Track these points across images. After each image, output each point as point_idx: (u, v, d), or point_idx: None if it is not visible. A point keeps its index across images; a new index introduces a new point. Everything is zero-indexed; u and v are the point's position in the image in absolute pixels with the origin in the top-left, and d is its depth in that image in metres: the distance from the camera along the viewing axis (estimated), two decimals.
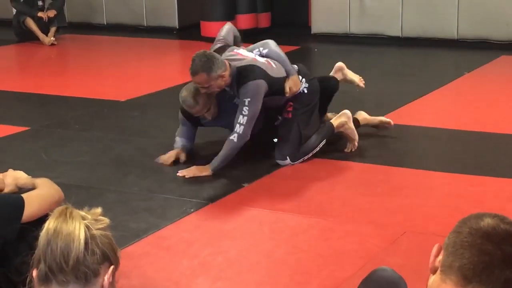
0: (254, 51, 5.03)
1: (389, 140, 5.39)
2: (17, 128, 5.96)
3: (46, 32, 9.90)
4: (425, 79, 7.44)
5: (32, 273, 1.80)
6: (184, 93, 4.82)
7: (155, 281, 3.44)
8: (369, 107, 6.06)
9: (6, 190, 3.04)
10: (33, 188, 3.00)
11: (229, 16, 9.75)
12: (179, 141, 5.07)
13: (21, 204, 2.79)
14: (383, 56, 8.78)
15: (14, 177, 3.09)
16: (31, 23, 9.88)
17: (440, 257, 1.57)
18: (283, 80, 4.92)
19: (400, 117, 6.00)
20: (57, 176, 4.48)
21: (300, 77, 5.01)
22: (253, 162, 4.99)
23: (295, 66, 5.06)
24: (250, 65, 4.77)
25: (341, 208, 4.25)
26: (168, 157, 4.96)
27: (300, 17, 10.59)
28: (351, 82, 5.58)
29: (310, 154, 5.01)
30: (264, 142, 5.18)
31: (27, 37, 9.98)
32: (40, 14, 9.92)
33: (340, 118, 5.12)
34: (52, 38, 9.88)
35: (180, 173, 4.75)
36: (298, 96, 4.98)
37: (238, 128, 4.67)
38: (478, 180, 4.60)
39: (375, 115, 5.74)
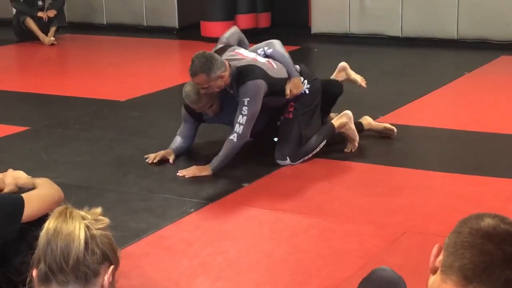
0: (259, 51, 5.03)
1: (389, 140, 5.39)
2: (17, 128, 5.95)
3: (46, 32, 9.90)
4: (425, 79, 7.44)
5: (32, 273, 1.80)
6: (188, 88, 4.83)
7: (155, 281, 3.44)
8: (369, 107, 6.06)
9: (6, 190, 3.04)
10: (33, 188, 3.00)
11: (229, 16, 9.76)
12: (174, 142, 5.08)
13: (21, 204, 2.79)
14: (383, 56, 8.78)
15: (14, 177, 3.09)
16: (31, 23, 9.88)
17: (440, 257, 1.57)
18: (284, 81, 4.91)
19: (400, 117, 6.01)
20: (57, 176, 4.48)
21: (302, 78, 5.01)
22: (253, 162, 4.99)
23: (297, 66, 5.05)
24: (249, 65, 4.77)
25: (341, 208, 4.25)
26: (154, 156, 4.97)
27: (300, 17, 10.59)
28: (354, 82, 5.59)
29: (310, 155, 5.01)
30: (264, 142, 5.19)
31: (27, 37, 9.98)
32: (40, 14, 9.92)
33: (341, 119, 5.12)
34: (52, 38, 9.88)
35: (180, 173, 4.75)
36: (300, 96, 4.98)
37: (238, 128, 4.67)
38: (478, 180, 4.60)
39: (375, 115, 5.76)
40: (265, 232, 3.98)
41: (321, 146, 5.04)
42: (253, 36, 5.36)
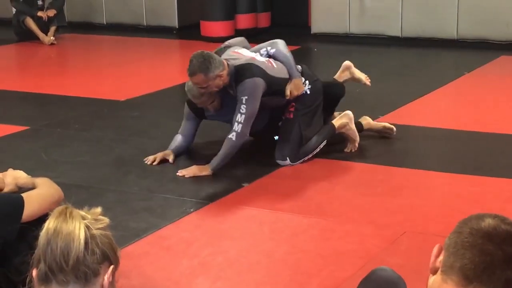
0: (262, 51, 5.03)
1: (389, 140, 5.39)
2: (16, 127, 5.95)
3: (45, 32, 9.90)
4: (425, 79, 7.44)
5: (32, 272, 1.80)
6: (191, 83, 4.83)
7: (155, 280, 3.44)
8: (369, 107, 6.07)
9: (6, 189, 3.04)
10: (33, 187, 3.00)
11: (229, 16, 9.77)
12: (174, 142, 5.08)
13: (21, 204, 2.79)
14: (383, 56, 8.78)
15: (14, 177, 3.08)
16: (30, 23, 9.88)
17: (440, 258, 1.57)
18: (284, 81, 4.91)
19: (400, 117, 6.01)
20: (57, 175, 4.48)
21: (303, 79, 5.01)
22: (253, 162, 4.99)
23: (299, 67, 5.05)
24: (247, 63, 4.78)
25: (341, 208, 4.25)
26: (153, 158, 4.98)
27: (300, 17, 10.59)
28: (358, 81, 5.59)
29: (311, 155, 5.01)
30: (265, 141, 5.19)
31: (26, 36, 9.98)
32: (39, 13, 9.92)
33: (341, 119, 5.12)
34: (51, 37, 9.88)
35: (180, 172, 4.75)
36: (301, 97, 4.98)
37: (237, 127, 4.67)
38: (478, 180, 4.60)
39: (375, 115, 5.76)
40: (265, 232, 3.98)
41: (321, 147, 5.04)
42: (253, 36, 5.36)
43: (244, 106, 4.66)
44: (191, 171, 4.74)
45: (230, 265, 3.58)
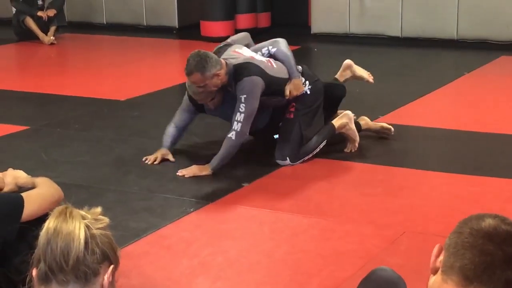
0: (263, 50, 5.03)
1: (389, 140, 5.39)
2: (16, 127, 5.95)
3: (45, 32, 9.90)
4: (425, 79, 7.44)
5: (32, 272, 1.80)
6: None
7: (155, 280, 3.44)
8: (369, 107, 6.07)
9: (6, 189, 3.04)
10: (32, 187, 3.00)
11: (229, 15, 9.77)
12: (167, 138, 5.07)
13: (20, 203, 2.79)
14: (383, 56, 8.78)
15: (13, 176, 3.08)
16: (30, 22, 9.87)
17: (441, 258, 1.57)
18: (284, 81, 4.91)
19: (400, 117, 6.01)
20: (57, 175, 4.48)
21: (303, 79, 5.01)
22: (253, 162, 4.99)
23: (299, 67, 5.05)
24: (245, 62, 4.78)
25: (341, 208, 4.25)
26: (154, 158, 5.00)
27: (300, 17, 10.59)
28: (360, 79, 5.58)
29: (311, 155, 5.01)
30: (265, 140, 5.19)
31: (26, 36, 9.98)
32: (39, 13, 9.91)
33: (341, 119, 5.12)
34: (51, 37, 9.87)
35: (180, 172, 4.75)
36: (301, 97, 4.98)
37: (236, 126, 4.67)
38: (478, 180, 4.60)
39: (375, 115, 5.76)
40: (265, 232, 3.98)
41: (321, 147, 5.04)
42: (253, 36, 5.34)
43: (243, 105, 4.66)
44: (191, 171, 4.74)
45: (230, 265, 3.58)
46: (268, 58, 4.95)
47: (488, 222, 1.53)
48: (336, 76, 5.54)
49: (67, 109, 6.58)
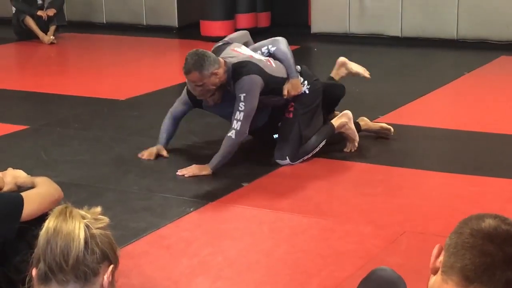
0: (263, 49, 5.03)
1: (389, 140, 5.38)
2: (16, 126, 5.95)
3: (45, 31, 9.90)
4: (425, 79, 7.44)
5: (31, 272, 1.80)
6: None
7: (154, 280, 3.44)
8: (369, 107, 6.07)
9: (6, 188, 3.04)
10: (32, 187, 2.99)
11: (229, 15, 9.76)
12: (162, 136, 5.13)
13: (20, 203, 2.79)
14: (383, 56, 8.78)
15: (13, 176, 3.08)
16: (30, 22, 9.87)
17: (441, 258, 1.57)
18: (282, 80, 4.91)
19: (400, 117, 6.01)
20: (56, 175, 4.48)
21: (302, 79, 5.01)
22: (253, 161, 4.99)
23: (298, 67, 5.05)
24: (244, 61, 4.78)
25: (340, 207, 4.25)
26: (148, 154, 5.05)
27: (300, 17, 10.58)
28: (356, 75, 5.58)
29: (310, 155, 5.01)
30: (264, 139, 5.19)
31: (26, 35, 9.97)
32: (39, 12, 9.91)
33: (340, 119, 5.12)
34: (51, 37, 9.87)
35: (180, 172, 4.75)
36: (300, 96, 4.98)
37: (235, 125, 4.67)
38: (478, 181, 4.60)
39: (375, 115, 5.75)
40: (264, 232, 3.98)
41: (320, 146, 5.03)
42: (253, 36, 5.35)
43: (243, 103, 4.66)
44: (191, 170, 4.74)
45: (230, 265, 3.58)
46: (267, 58, 4.96)
47: (488, 223, 1.53)
48: (332, 74, 5.53)
49: (67, 108, 6.58)
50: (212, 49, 4.97)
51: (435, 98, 6.70)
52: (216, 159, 4.73)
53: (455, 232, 1.56)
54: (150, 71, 8.24)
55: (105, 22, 11.13)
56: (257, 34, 8.25)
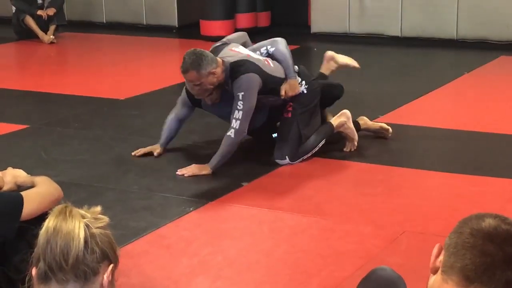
0: (262, 49, 5.03)
1: (389, 140, 5.38)
2: (16, 126, 5.95)
3: (45, 30, 9.89)
4: (425, 79, 7.44)
5: (31, 271, 1.80)
6: None
7: (154, 279, 3.44)
8: (369, 107, 6.06)
9: (5, 188, 3.04)
10: (32, 186, 2.99)
11: (229, 15, 9.76)
12: (163, 136, 5.14)
13: (20, 202, 2.79)
14: (383, 56, 8.78)
15: (13, 175, 3.08)
16: (30, 21, 9.87)
17: (441, 258, 1.57)
18: (280, 80, 4.91)
19: (399, 116, 6.01)
20: (56, 174, 4.48)
21: (299, 79, 5.01)
22: (252, 161, 4.99)
23: (296, 67, 5.05)
24: (242, 60, 4.78)
25: (340, 207, 4.24)
26: (143, 152, 5.10)
27: (299, 17, 10.58)
28: (345, 67, 5.57)
29: (310, 154, 5.01)
30: (263, 139, 5.19)
31: (26, 35, 9.97)
32: (39, 12, 9.91)
33: (339, 118, 5.12)
34: (51, 36, 9.86)
35: (180, 171, 4.76)
36: (298, 96, 4.98)
37: (235, 124, 4.67)
38: (478, 180, 4.60)
39: (375, 115, 5.75)
40: (264, 231, 3.98)
41: (320, 146, 5.04)
42: (253, 35, 5.35)
43: (241, 102, 4.66)
44: (190, 170, 4.75)
45: (230, 264, 3.58)
46: (265, 57, 4.96)
47: (488, 222, 1.53)
48: (321, 70, 5.51)
49: (67, 108, 6.58)
50: (210, 49, 4.97)
51: (435, 98, 6.70)
52: (215, 159, 4.73)
53: (455, 231, 1.56)
54: (150, 70, 8.24)
55: (105, 21, 11.13)
56: (257, 34, 8.26)
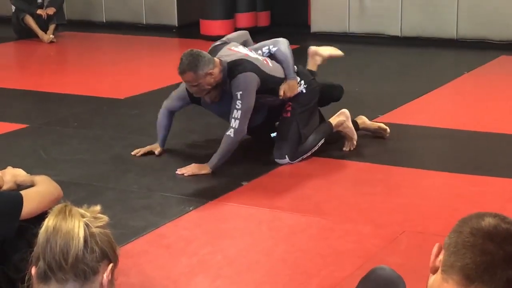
0: (264, 48, 5.03)
1: (388, 140, 5.38)
2: (16, 125, 5.95)
3: (45, 30, 9.89)
4: (425, 79, 7.44)
5: (31, 270, 1.80)
6: None
7: (154, 279, 3.44)
8: (369, 106, 6.06)
9: (5, 187, 3.04)
10: (32, 185, 2.99)
11: (229, 14, 9.76)
12: (160, 136, 5.13)
13: (20, 201, 2.79)
14: (383, 56, 8.78)
15: (13, 175, 3.08)
16: (30, 21, 9.87)
17: (440, 257, 1.57)
18: (279, 80, 4.91)
19: (399, 116, 6.01)
20: (56, 173, 4.48)
21: (299, 79, 5.01)
22: (252, 160, 4.99)
23: (295, 67, 5.04)
24: (240, 59, 4.78)
25: (339, 207, 4.24)
26: (142, 151, 5.11)
27: (299, 16, 10.58)
28: (331, 57, 5.56)
29: (309, 153, 5.01)
30: (262, 139, 5.19)
31: (26, 34, 9.97)
32: (39, 11, 9.90)
33: (338, 117, 5.12)
34: (51, 35, 9.86)
35: (179, 171, 4.76)
36: (297, 96, 4.98)
37: (234, 123, 4.67)
38: (477, 180, 4.60)
39: (374, 114, 5.75)
40: (264, 231, 3.98)
41: (319, 145, 5.04)
42: (253, 35, 5.35)
43: (240, 101, 4.66)
44: (190, 169, 4.75)
45: (229, 264, 3.58)
46: (264, 57, 4.95)
47: (488, 221, 1.53)
48: (308, 67, 5.49)
49: (67, 107, 6.58)
50: (209, 48, 4.97)
51: (434, 97, 6.70)
52: (215, 158, 4.73)
53: (454, 231, 1.56)
54: (150, 70, 8.24)
55: (105, 21, 11.13)
56: (256, 34, 8.26)
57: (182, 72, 4.68)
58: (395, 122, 5.62)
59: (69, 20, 10.69)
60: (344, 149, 5.14)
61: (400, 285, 2.23)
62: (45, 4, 10.05)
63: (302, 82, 5.03)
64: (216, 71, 4.69)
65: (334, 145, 5.16)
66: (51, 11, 9.93)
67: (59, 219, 1.77)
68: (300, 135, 4.95)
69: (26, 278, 1.82)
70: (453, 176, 4.69)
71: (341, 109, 5.21)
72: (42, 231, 1.78)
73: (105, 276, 1.78)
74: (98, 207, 1.86)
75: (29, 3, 9.96)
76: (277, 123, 5.13)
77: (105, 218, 1.83)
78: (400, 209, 4.18)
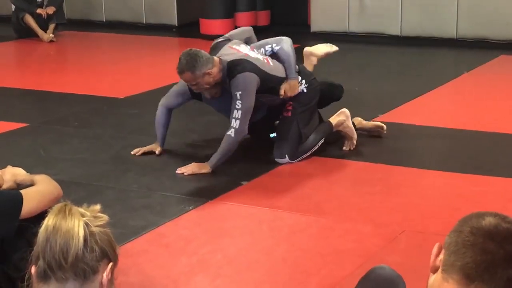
0: (267, 47, 5.03)
1: (388, 139, 5.38)
2: (16, 124, 5.95)
3: (45, 29, 9.89)
4: (425, 78, 7.44)
5: (30, 269, 1.80)
6: None
7: (153, 278, 3.44)
8: (368, 106, 6.06)
9: (5, 186, 3.03)
10: (31, 184, 2.99)
11: (229, 14, 9.76)
12: (159, 136, 5.12)
13: (19, 200, 2.79)
14: (383, 55, 8.78)
15: (12, 174, 3.08)
16: (30, 20, 9.87)
17: (441, 256, 1.56)
18: (280, 80, 4.90)
19: (399, 116, 6.01)
20: (56, 173, 4.48)
21: (300, 78, 5.01)
22: (252, 160, 4.99)
23: (296, 66, 5.04)
24: (239, 59, 4.77)
25: (339, 206, 4.24)
26: (142, 151, 5.11)
27: (299, 16, 10.58)
28: (326, 55, 5.55)
29: (309, 153, 5.01)
30: (262, 139, 5.19)
31: (26, 33, 9.97)
32: (39, 10, 9.91)
33: (338, 117, 5.12)
34: (51, 35, 9.86)
35: (179, 170, 4.76)
36: (298, 95, 4.97)
37: (234, 123, 4.67)
38: (477, 180, 4.60)
39: (374, 114, 5.75)
40: (264, 230, 3.98)
41: (319, 144, 5.04)
42: None
43: (240, 101, 4.66)
44: (190, 168, 4.75)
45: (229, 263, 3.58)
46: (265, 56, 4.95)
47: (489, 221, 1.53)
48: (305, 65, 5.47)
49: (66, 106, 6.58)
50: (212, 44, 4.97)
51: (434, 97, 6.70)
52: (215, 158, 4.73)
53: (454, 230, 1.56)
54: (150, 69, 8.23)
55: (104, 20, 11.13)
56: (256, 33, 8.25)
57: (180, 72, 4.68)
58: (395, 121, 5.62)
59: (69, 19, 10.70)
60: (344, 148, 5.14)
61: (400, 284, 2.23)
62: (45, 3, 10.05)
63: (303, 81, 5.02)
64: (214, 70, 4.69)
65: (334, 144, 5.16)
66: (51, 10, 9.93)
67: (59, 218, 1.77)
68: (300, 134, 4.95)
69: (26, 277, 1.82)
70: (453, 175, 4.69)
71: (341, 108, 5.21)
72: (42, 230, 1.77)
73: (105, 275, 1.78)
74: (98, 206, 1.86)
75: (29, 2, 9.96)
76: (277, 122, 5.13)
77: (105, 217, 1.83)
78: (400, 208, 4.18)
